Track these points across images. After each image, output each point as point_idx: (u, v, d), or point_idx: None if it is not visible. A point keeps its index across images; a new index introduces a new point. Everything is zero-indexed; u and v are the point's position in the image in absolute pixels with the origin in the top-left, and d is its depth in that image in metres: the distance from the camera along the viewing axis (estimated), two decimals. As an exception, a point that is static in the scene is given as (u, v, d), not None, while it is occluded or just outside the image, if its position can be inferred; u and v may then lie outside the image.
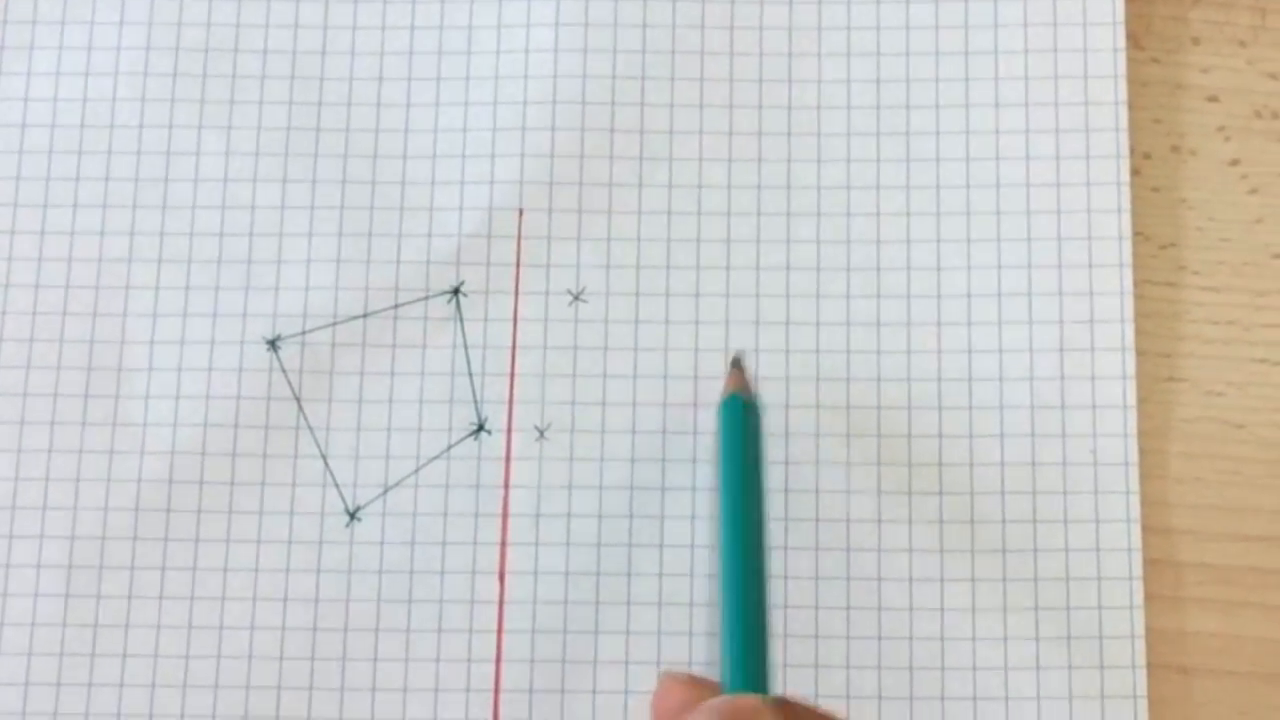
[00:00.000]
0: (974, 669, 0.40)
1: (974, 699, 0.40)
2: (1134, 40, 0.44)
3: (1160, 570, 0.41)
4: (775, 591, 0.41)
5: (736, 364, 0.40)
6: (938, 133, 0.43)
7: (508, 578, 0.41)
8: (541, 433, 0.42)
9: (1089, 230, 0.42)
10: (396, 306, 0.43)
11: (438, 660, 0.40)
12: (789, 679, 0.40)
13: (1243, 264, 0.43)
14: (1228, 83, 0.44)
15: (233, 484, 0.41)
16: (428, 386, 0.42)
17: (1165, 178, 0.44)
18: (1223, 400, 0.42)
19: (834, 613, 0.41)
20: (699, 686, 0.33)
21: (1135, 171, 0.43)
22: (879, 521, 0.41)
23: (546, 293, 0.43)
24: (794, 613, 0.41)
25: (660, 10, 0.44)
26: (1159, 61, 0.44)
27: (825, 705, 0.33)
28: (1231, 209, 0.44)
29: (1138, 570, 0.41)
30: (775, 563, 0.41)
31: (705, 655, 0.40)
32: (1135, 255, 0.43)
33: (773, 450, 0.41)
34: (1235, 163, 0.44)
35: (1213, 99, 0.44)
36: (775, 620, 0.40)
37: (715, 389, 0.41)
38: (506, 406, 0.42)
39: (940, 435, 0.42)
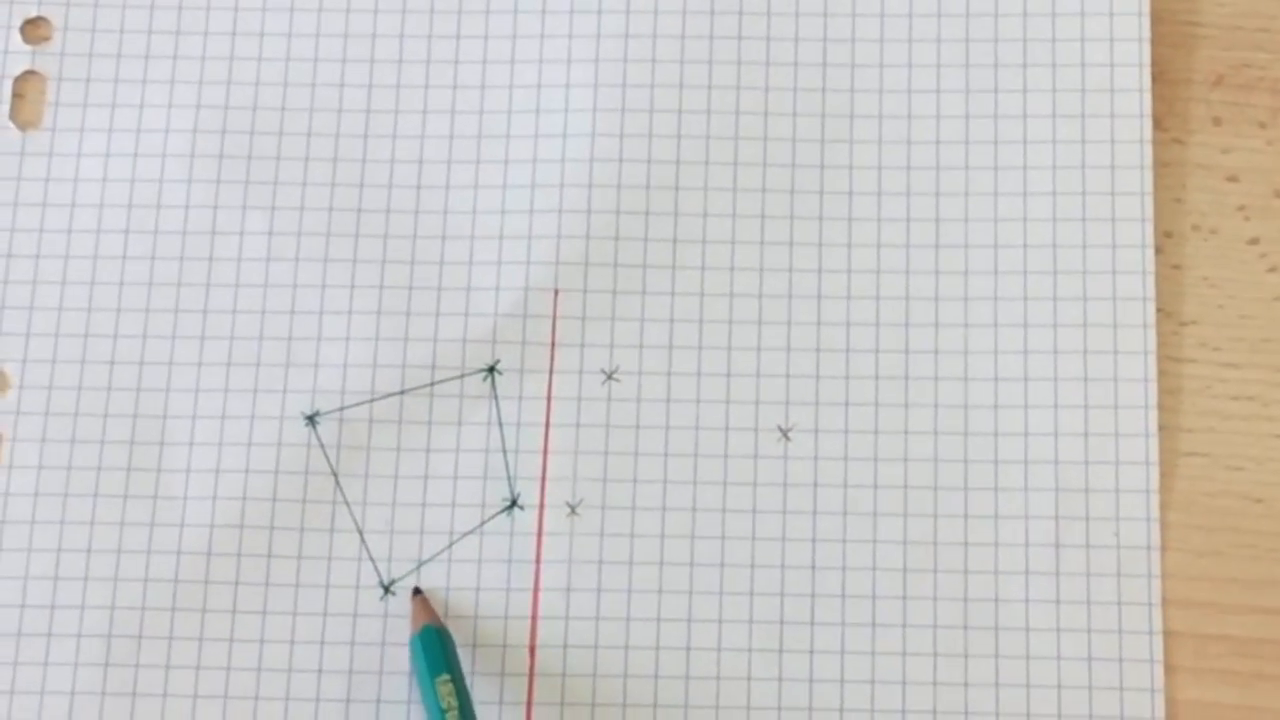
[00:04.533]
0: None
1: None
2: (1156, 121, 0.45)
3: (1182, 642, 0.42)
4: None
5: (418, 592, 0.41)
6: (966, 220, 0.44)
7: (538, 651, 0.41)
8: (573, 509, 0.42)
9: (1115, 318, 0.43)
10: (433, 384, 0.43)
11: (469, 734, 0.41)
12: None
13: (1262, 340, 0.44)
14: (1248, 163, 0.45)
15: (270, 556, 0.42)
16: (462, 463, 0.43)
17: (1186, 256, 0.44)
18: (1243, 475, 0.43)
19: (859, 686, 0.41)
20: None
21: (1157, 249, 0.44)
22: (904, 599, 0.42)
23: (580, 371, 0.43)
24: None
25: (695, 98, 0.45)
26: (1180, 142, 0.45)
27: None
28: (1251, 287, 0.44)
29: (1159, 654, 0.41)
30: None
31: (732, 733, 0.41)
32: (1157, 333, 0.43)
33: (798, 525, 0.42)
34: (1255, 241, 0.45)
35: (1233, 179, 0.45)
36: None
37: (748, 469, 0.42)
38: (539, 483, 0.42)
39: (966, 515, 0.42)
